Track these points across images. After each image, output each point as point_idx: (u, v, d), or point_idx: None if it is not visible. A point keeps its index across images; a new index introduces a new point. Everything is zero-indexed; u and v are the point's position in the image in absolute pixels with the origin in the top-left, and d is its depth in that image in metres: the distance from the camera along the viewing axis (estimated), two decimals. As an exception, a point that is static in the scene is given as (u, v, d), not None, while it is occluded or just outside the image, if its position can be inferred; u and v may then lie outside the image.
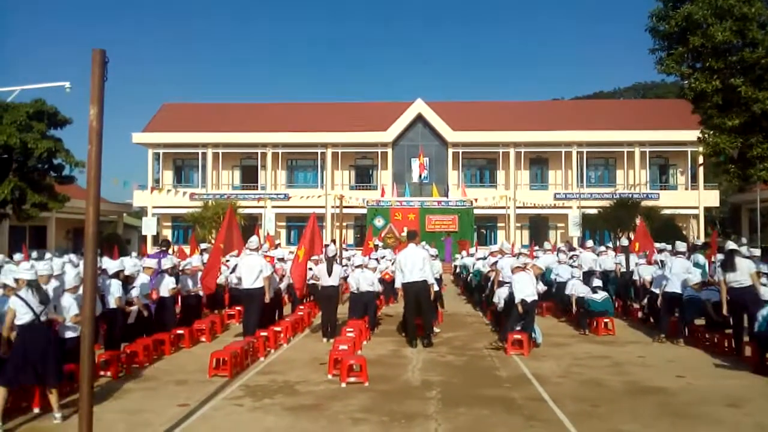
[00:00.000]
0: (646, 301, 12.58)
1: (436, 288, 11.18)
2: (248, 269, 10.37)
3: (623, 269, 14.52)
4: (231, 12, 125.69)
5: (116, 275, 9.07)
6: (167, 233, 40.39)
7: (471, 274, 17.53)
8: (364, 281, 11.56)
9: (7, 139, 19.31)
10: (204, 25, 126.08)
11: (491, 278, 13.27)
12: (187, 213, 34.87)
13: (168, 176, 41.89)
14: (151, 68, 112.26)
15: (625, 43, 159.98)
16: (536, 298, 10.15)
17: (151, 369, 8.64)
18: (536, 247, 21.30)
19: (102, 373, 7.93)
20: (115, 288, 8.86)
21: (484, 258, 16.12)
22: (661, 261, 13.23)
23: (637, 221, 20.90)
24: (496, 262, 12.80)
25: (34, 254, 15.65)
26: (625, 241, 15.80)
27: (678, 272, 11.04)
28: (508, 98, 48.51)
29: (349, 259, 17.81)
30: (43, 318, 6.23)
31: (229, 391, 7.39)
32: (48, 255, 14.60)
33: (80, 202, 29.84)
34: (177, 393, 7.33)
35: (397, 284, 10.70)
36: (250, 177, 41.44)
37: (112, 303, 8.75)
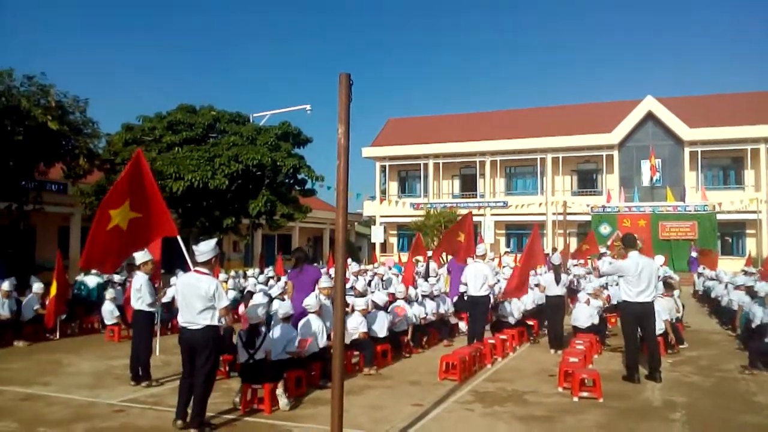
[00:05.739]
0: None
1: (661, 326, 9.66)
2: (474, 276, 10.50)
3: None
4: (446, 26, 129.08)
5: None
6: (393, 241, 42.73)
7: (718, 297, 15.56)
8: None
9: (260, 158, 22.05)
10: (422, 42, 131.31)
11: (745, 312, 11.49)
12: (411, 222, 36.56)
13: (393, 187, 44.28)
14: (377, 87, 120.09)
15: None
16: None
17: (388, 369, 9.19)
18: None
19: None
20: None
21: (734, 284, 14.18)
22: None
23: None
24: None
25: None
26: None
27: None
28: (754, 89, 42.40)
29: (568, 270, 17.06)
30: None
31: (459, 395, 7.57)
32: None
33: (319, 212, 33.01)
34: (412, 393, 7.70)
35: (623, 298, 8.69)
36: (469, 185, 42.05)
37: None
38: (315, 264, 8.37)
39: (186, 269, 6.71)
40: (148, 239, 7.39)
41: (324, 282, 8.99)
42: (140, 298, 8.14)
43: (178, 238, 7.09)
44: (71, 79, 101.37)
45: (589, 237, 22.13)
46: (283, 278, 12.07)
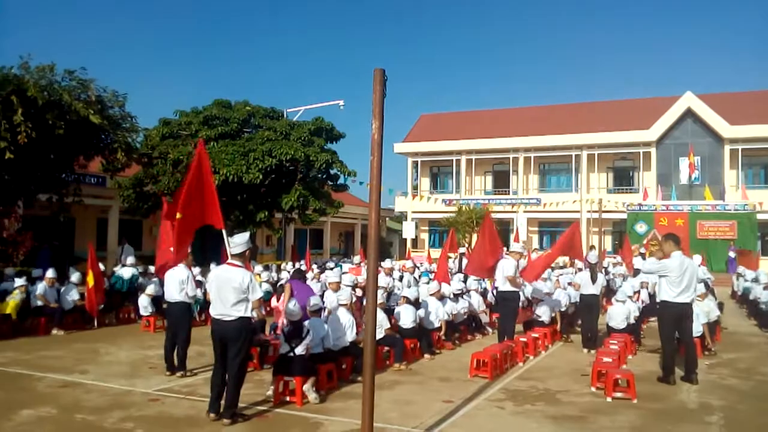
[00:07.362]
0: None
1: (699, 328, 9.45)
2: (500, 271, 10.22)
3: None
4: (478, 26, 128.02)
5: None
6: (424, 237, 42.62)
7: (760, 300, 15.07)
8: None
9: (294, 153, 22.17)
10: (452, 40, 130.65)
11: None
12: (443, 218, 36.44)
13: (425, 183, 44.15)
14: (410, 83, 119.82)
15: None
16: None
17: (417, 364, 9.19)
18: None
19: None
20: None
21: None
22: None
23: None
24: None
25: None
26: None
27: None
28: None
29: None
30: None
31: (490, 393, 7.52)
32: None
33: (351, 207, 33.02)
34: (441, 389, 7.69)
35: (663, 298, 8.39)
36: (502, 182, 41.66)
37: None
38: (345, 259, 8.61)
39: (220, 262, 6.81)
40: (200, 222, 7.41)
41: (332, 276, 9.01)
42: (183, 289, 8.24)
43: (223, 231, 7.16)
44: (108, 74, 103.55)
45: (626, 243, 21.44)
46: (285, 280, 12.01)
